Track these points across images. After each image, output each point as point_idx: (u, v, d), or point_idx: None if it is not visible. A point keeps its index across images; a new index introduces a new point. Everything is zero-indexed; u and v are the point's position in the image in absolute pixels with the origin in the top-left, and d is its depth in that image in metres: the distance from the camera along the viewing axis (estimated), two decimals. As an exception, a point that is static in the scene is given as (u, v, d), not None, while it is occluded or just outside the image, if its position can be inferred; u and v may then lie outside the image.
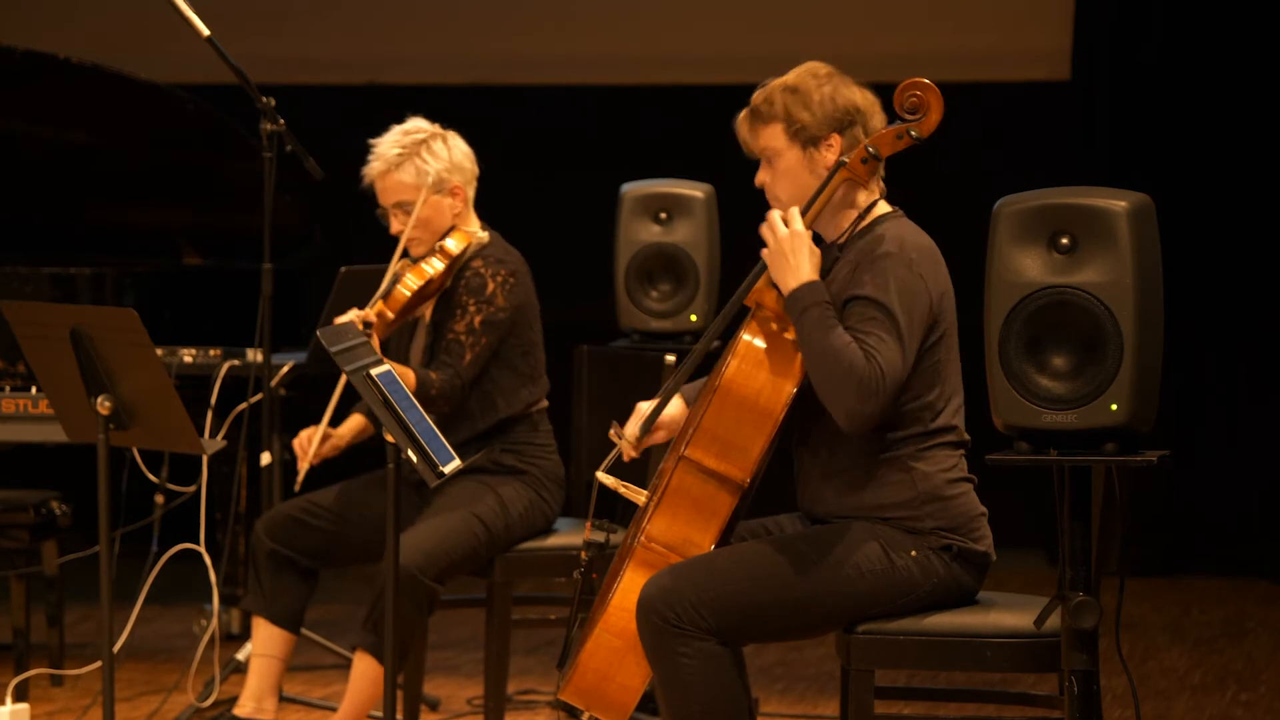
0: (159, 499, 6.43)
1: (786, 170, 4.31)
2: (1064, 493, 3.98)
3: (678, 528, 4.26)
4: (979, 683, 5.97)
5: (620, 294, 6.12)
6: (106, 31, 9.13)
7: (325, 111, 8.47)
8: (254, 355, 6.40)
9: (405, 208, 5.50)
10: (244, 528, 6.64)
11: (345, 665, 6.18)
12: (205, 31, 6.01)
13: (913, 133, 4.24)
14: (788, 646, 6.88)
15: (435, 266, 5.43)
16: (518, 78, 9.20)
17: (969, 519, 4.29)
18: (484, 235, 5.55)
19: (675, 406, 4.48)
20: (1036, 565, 8.49)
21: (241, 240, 7.11)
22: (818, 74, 4.31)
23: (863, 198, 4.33)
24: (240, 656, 6.27)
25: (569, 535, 5.56)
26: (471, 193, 5.60)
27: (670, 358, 5.98)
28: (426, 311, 5.59)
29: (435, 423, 4.66)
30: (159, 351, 5.03)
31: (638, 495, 4.40)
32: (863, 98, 4.32)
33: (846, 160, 4.25)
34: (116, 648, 5.46)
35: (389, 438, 4.55)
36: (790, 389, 4.21)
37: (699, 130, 8.68)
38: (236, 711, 5.60)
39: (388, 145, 5.53)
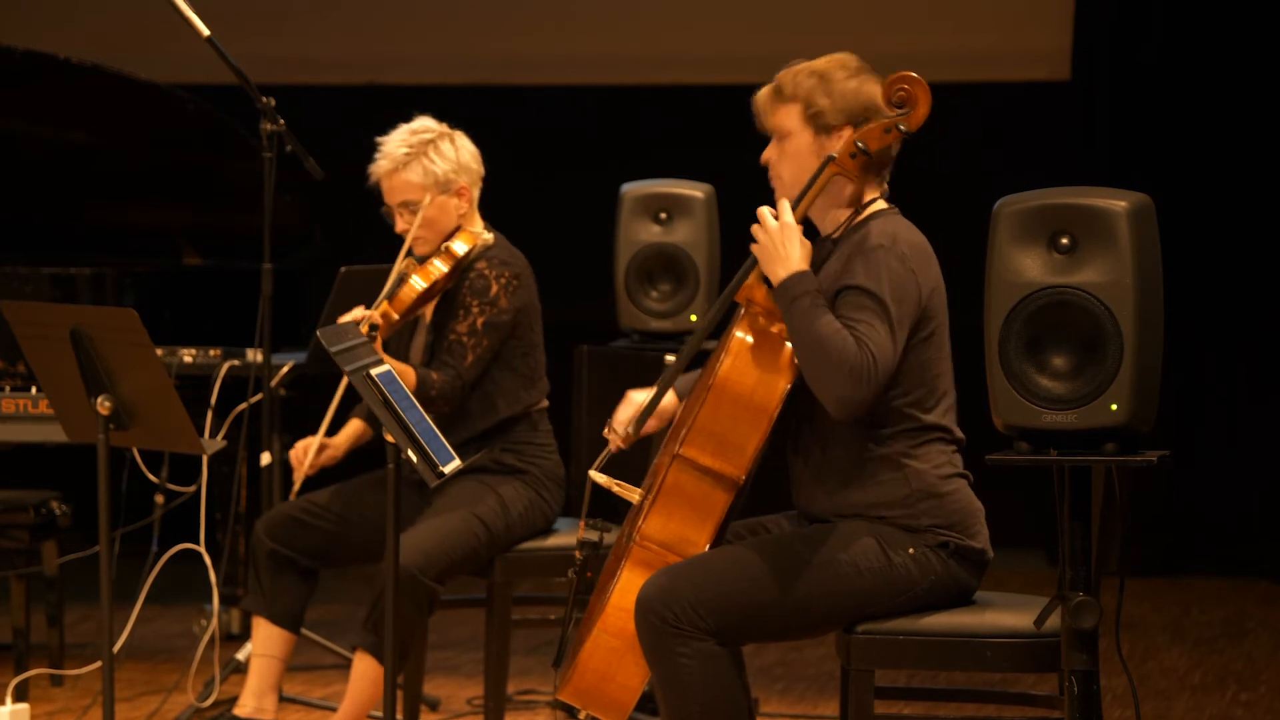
0: (159, 499, 6.43)
1: (794, 152, 4.32)
2: (1064, 493, 3.98)
3: (673, 526, 4.26)
4: (979, 683, 5.97)
5: (620, 294, 6.12)
6: (106, 31, 9.13)
7: (325, 111, 8.47)
8: (254, 355, 6.40)
9: (411, 207, 5.50)
10: (244, 528, 6.64)
11: (345, 665, 6.18)
12: (205, 31, 6.01)
13: (901, 127, 4.24)
14: (788, 646, 6.88)
15: (440, 267, 5.43)
16: (518, 78, 9.21)
17: (965, 515, 4.29)
18: (488, 236, 5.55)
19: (666, 398, 4.49)
20: (1036, 565, 8.49)
21: (241, 240, 7.11)
22: (847, 65, 4.32)
23: (862, 194, 4.34)
24: (240, 656, 6.27)
25: (569, 535, 5.56)
26: (477, 194, 5.60)
27: (670, 358, 5.98)
28: (428, 311, 5.59)
29: (435, 423, 4.66)
30: (159, 351, 5.03)
31: (631, 494, 4.40)
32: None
33: (835, 155, 4.26)
34: (116, 648, 5.46)
35: (389, 438, 4.55)
36: (784, 385, 4.21)
37: (699, 130, 8.71)
38: (236, 711, 5.60)
39: (395, 144, 5.52)
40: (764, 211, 4.26)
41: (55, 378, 4.77)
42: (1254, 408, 8.59)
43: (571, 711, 4.38)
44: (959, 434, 4.35)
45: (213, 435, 6.47)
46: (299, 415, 6.65)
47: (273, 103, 6.08)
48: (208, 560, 6.01)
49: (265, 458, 6.36)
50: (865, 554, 4.23)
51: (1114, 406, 3.89)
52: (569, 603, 4.47)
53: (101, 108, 7.04)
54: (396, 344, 5.62)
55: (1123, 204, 3.93)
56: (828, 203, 4.34)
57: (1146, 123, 8.55)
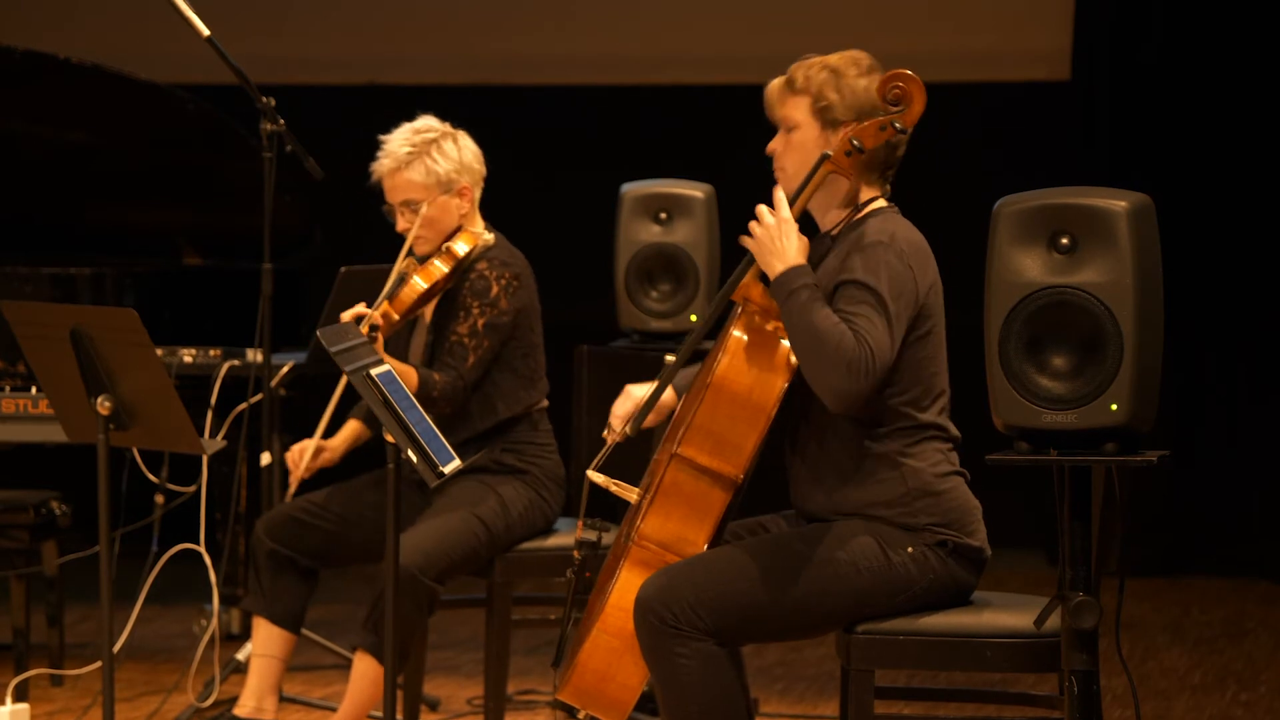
0: (159, 499, 6.43)
1: (800, 144, 4.33)
2: (1064, 493, 3.98)
3: (671, 526, 4.26)
4: (979, 683, 5.97)
5: (620, 294, 6.12)
6: (106, 31, 9.13)
7: (325, 111, 8.47)
8: (254, 355, 6.40)
9: (413, 206, 5.50)
10: (244, 528, 6.64)
11: (345, 665, 6.18)
12: (205, 31, 6.01)
13: (896, 124, 4.24)
14: (787, 646, 6.88)
15: (441, 267, 5.42)
16: (518, 78, 9.21)
17: (963, 513, 4.29)
18: (489, 237, 5.55)
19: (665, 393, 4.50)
20: (1036, 565, 8.49)
21: (241, 240, 7.11)
22: (860, 63, 4.33)
23: (862, 193, 4.34)
24: (240, 656, 6.27)
25: (569, 535, 5.56)
26: (478, 194, 5.60)
27: (670, 358, 5.97)
28: (427, 312, 5.59)
29: (435, 423, 4.66)
30: (159, 351, 5.03)
31: (629, 493, 4.40)
32: None
33: (831, 152, 4.26)
34: (116, 648, 5.46)
35: (389, 438, 4.55)
36: (782, 383, 4.21)
37: (699, 130, 8.72)
38: (236, 711, 5.60)
39: (398, 143, 5.52)
40: (762, 208, 4.27)
41: (55, 378, 4.77)
42: (1254, 408, 8.59)
43: (571, 711, 4.37)
44: (954, 431, 4.35)
45: (213, 435, 6.47)
46: (299, 415, 6.65)
47: (273, 103, 6.08)
48: (208, 560, 6.01)
49: (265, 458, 6.36)
50: (864, 553, 4.23)
51: (1114, 406, 3.89)
52: (568, 602, 4.47)
53: (101, 108, 7.04)
54: (395, 344, 5.62)
55: (1123, 204, 3.93)
56: (826, 200, 4.35)
57: (1146, 123, 8.55)
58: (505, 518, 5.46)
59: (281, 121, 6.09)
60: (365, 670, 5.34)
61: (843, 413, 4.19)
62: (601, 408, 5.65)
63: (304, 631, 5.93)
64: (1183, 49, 8.51)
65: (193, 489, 6.34)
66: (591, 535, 4.46)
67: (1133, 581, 7.73)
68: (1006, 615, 4.25)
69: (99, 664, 5.27)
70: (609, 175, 6.62)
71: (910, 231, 4.30)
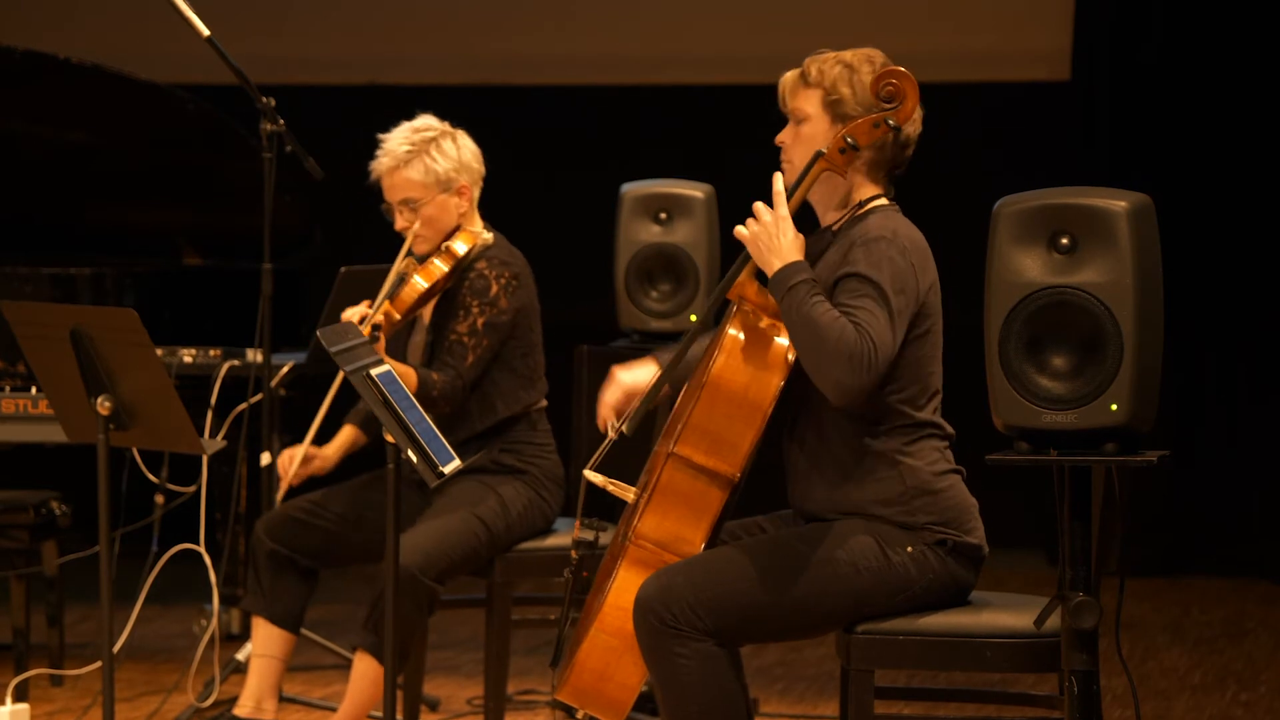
0: (159, 499, 6.43)
1: (809, 137, 4.33)
2: (1064, 493, 3.98)
3: (669, 525, 4.25)
4: (979, 683, 5.97)
5: (620, 294, 6.12)
6: (106, 31, 9.13)
7: (325, 111, 8.47)
8: (254, 355, 6.40)
9: (411, 205, 5.50)
10: (244, 528, 6.64)
11: (345, 665, 6.18)
12: (205, 31, 6.01)
13: (890, 121, 4.24)
14: (787, 646, 6.88)
15: (441, 266, 5.42)
16: (518, 78, 9.21)
17: (960, 511, 4.29)
18: (488, 236, 5.55)
19: (650, 375, 4.50)
20: (1036, 565, 8.49)
21: (241, 240, 7.12)
22: (874, 60, 4.33)
23: (865, 190, 4.34)
24: (240, 656, 6.27)
25: (569, 535, 5.54)
26: (477, 193, 5.60)
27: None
28: (426, 311, 5.59)
29: (435, 422, 4.66)
30: (159, 351, 5.03)
31: (627, 492, 4.39)
32: None
33: (825, 150, 4.26)
34: (116, 648, 5.46)
35: (389, 438, 4.55)
36: (778, 381, 4.21)
37: (699, 130, 8.72)
38: (236, 711, 5.60)
39: (397, 142, 5.52)
40: (759, 206, 4.27)
41: (55, 378, 4.77)
42: (1254, 408, 8.59)
43: (570, 711, 4.37)
44: (949, 429, 4.35)
45: (213, 435, 6.48)
46: (299, 415, 6.64)
47: (273, 103, 6.08)
48: (208, 560, 6.01)
49: (265, 458, 6.36)
50: (864, 553, 4.23)
51: (1114, 406, 3.89)
52: (565, 602, 4.47)
53: (101, 108, 7.04)
54: (394, 344, 5.62)
55: (1123, 204, 3.93)
56: (827, 197, 4.35)
57: (1146, 123, 8.55)
58: (505, 518, 5.46)
59: (281, 121, 6.09)
60: (365, 670, 5.34)
61: (845, 407, 4.18)
62: (602, 408, 5.63)
63: (304, 631, 5.93)
64: (1183, 49, 8.52)
65: (193, 489, 6.34)
66: (589, 535, 4.46)
67: (1133, 581, 7.73)
68: (1006, 615, 4.24)
69: (99, 664, 5.27)
70: (609, 175, 6.62)
71: (911, 230, 4.31)
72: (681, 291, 6.08)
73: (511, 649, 5.66)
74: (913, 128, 4.32)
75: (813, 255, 4.28)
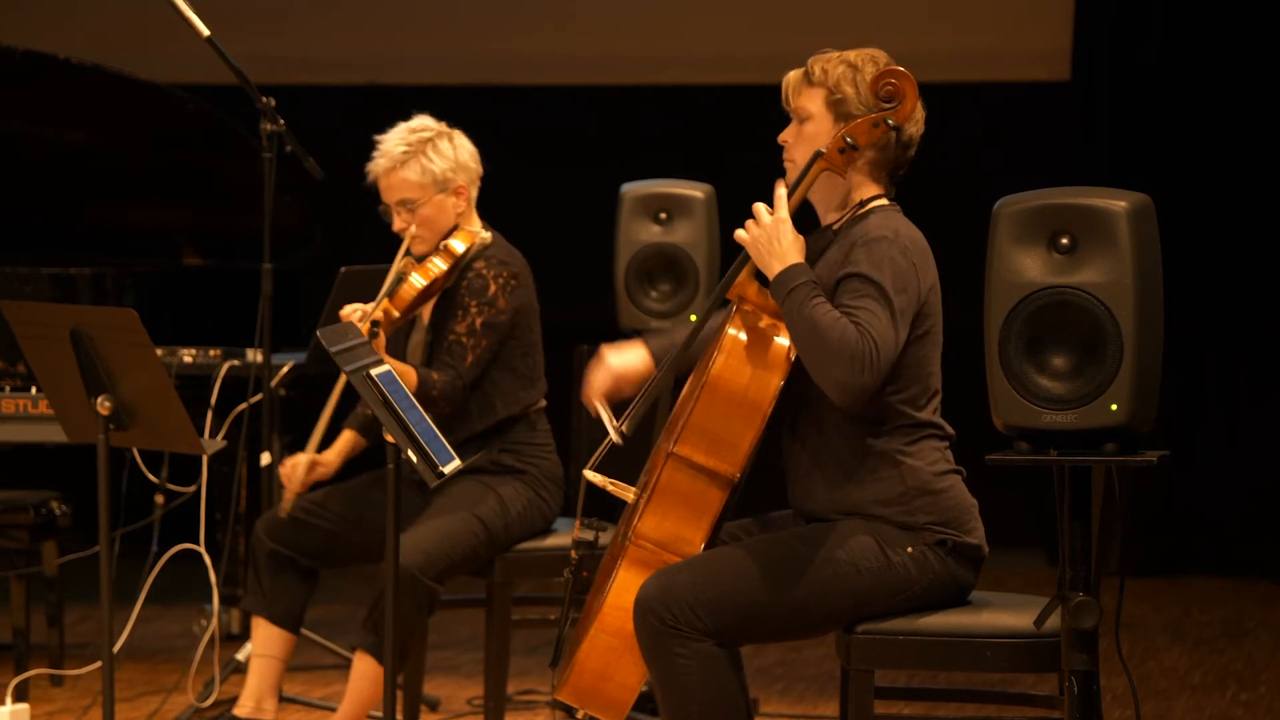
0: (159, 499, 6.43)
1: (812, 135, 4.32)
2: (1064, 493, 3.98)
3: (668, 525, 4.25)
4: (979, 683, 5.97)
5: (620, 294, 6.13)
6: (106, 31, 9.13)
7: (325, 111, 8.47)
8: (254, 355, 6.40)
9: (409, 205, 5.51)
10: (244, 528, 6.64)
11: (345, 665, 6.18)
12: (205, 31, 6.01)
13: (889, 121, 4.25)
14: (787, 646, 6.88)
15: (439, 265, 5.42)
16: (518, 78, 9.21)
17: (960, 511, 4.29)
18: (486, 236, 5.55)
19: (639, 359, 4.49)
20: (1036, 565, 8.49)
21: (241, 240, 7.12)
22: (878, 60, 4.33)
23: (866, 190, 4.34)
24: (240, 656, 6.27)
25: (568, 535, 5.55)
26: (475, 193, 5.60)
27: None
28: (425, 311, 5.59)
29: (434, 422, 4.66)
30: (159, 351, 5.03)
31: (626, 492, 4.39)
32: None
33: (824, 150, 4.26)
34: (116, 648, 5.46)
35: (389, 438, 4.55)
36: (777, 381, 4.21)
37: (699, 130, 8.72)
38: (236, 711, 5.60)
39: (393, 142, 5.53)
40: (759, 207, 4.27)
41: (55, 378, 4.77)
42: (1254, 408, 8.59)
43: (570, 711, 4.37)
44: (949, 429, 4.35)
45: (213, 435, 6.48)
46: (299, 415, 6.65)
47: (273, 103, 6.08)
48: (208, 560, 6.01)
49: (265, 458, 6.36)
50: (864, 553, 4.23)
51: (1114, 406, 3.89)
52: (565, 602, 4.47)
53: (101, 108, 7.04)
54: (393, 344, 5.62)
55: (1123, 204, 3.93)
56: (828, 197, 4.35)
57: (1146, 123, 8.55)
58: (504, 518, 5.46)
59: (281, 121, 6.09)
60: (365, 670, 5.34)
61: (848, 407, 4.18)
62: (601, 408, 5.63)
63: (304, 631, 5.93)
64: (1183, 49, 8.52)
65: (193, 489, 6.34)
66: (589, 535, 4.46)
67: (1133, 581, 7.73)
68: (1006, 615, 4.24)
69: (99, 664, 5.27)
70: (609, 175, 6.62)
71: (912, 230, 4.31)
72: (681, 291, 6.08)
73: (511, 649, 5.66)
74: (914, 128, 4.32)
75: (813, 254, 4.28)
